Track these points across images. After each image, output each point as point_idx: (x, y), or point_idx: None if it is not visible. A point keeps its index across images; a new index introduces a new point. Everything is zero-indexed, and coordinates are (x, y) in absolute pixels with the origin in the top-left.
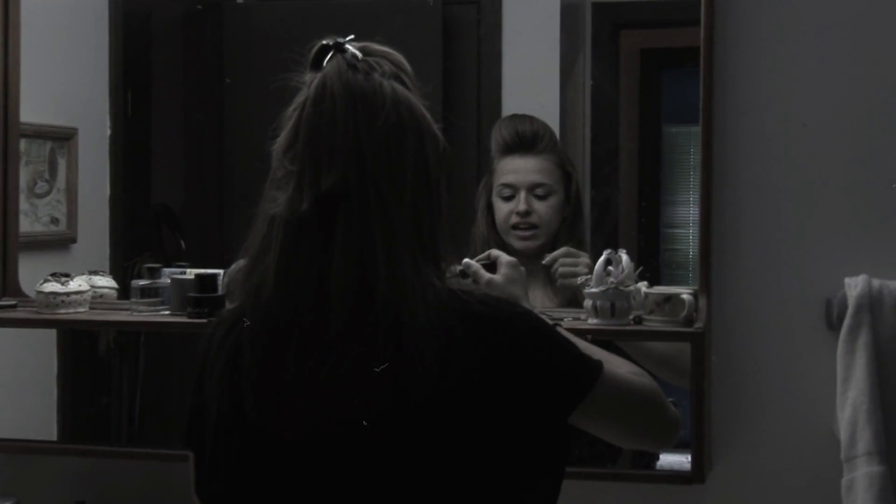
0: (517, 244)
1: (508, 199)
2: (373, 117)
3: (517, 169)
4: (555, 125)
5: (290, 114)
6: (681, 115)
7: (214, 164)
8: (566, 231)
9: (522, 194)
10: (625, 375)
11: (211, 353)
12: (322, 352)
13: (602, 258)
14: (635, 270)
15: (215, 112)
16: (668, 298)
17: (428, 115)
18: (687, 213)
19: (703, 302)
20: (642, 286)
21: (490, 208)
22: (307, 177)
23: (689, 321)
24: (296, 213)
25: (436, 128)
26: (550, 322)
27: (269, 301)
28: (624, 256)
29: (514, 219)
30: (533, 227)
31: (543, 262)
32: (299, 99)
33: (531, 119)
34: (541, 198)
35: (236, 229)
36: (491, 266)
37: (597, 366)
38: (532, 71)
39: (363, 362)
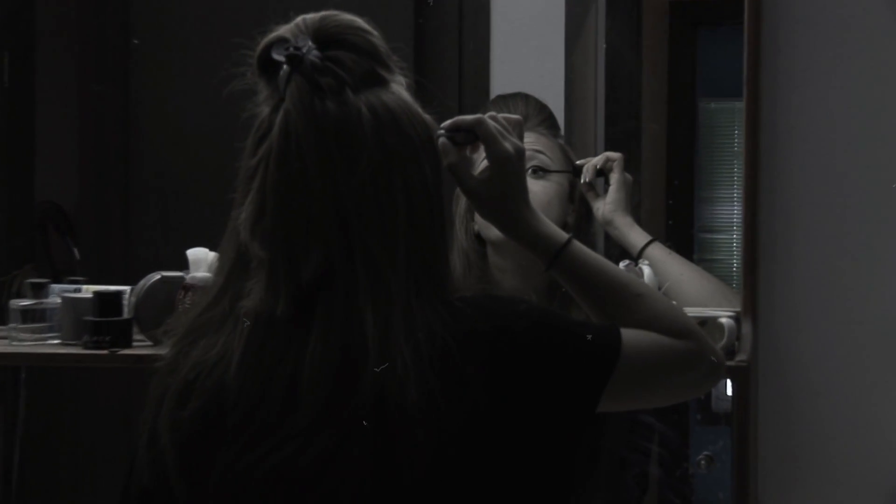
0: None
1: None
2: (353, 163)
3: None
4: (558, 103)
5: (252, 168)
6: (720, 87)
7: (118, 151)
8: (573, 228)
9: None
10: (648, 339)
11: (159, 424)
12: (289, 439)
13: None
14: (660, 288)
15: (120, 82)
16: (703, 323)
17: (415, 111)
18: (729, 214)
19: (747, 327)
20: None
21: (471, 213)
22: (282, 269)
23: (730, 352)
24: (270, 312)
25: (428, 128)
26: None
27: (226, 380)
28: (646, 270)
29: None
30: None
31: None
32: (262, 145)
33: (524, 99)
34: (537, 175)
35: (147, 233)
36: (464, 138)
37: (613, 339)
38: (529, 33)
39: (338, 449)
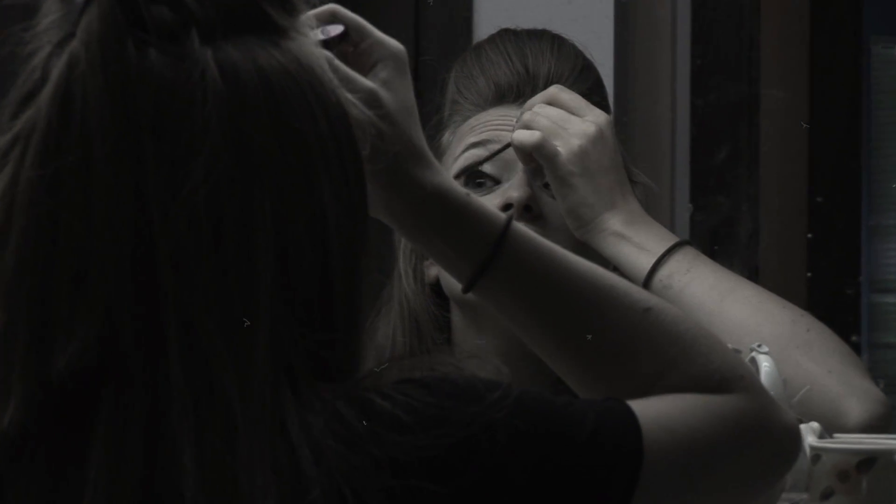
0: None
1: (482, 183)
2: (180, 163)
3: (510, 127)
4: (604, 56)
5: (2, 149)
6: None
7: None
8: None
9: (520, 174)
10: (679, 414)
11: None
12: None
13: None
14: (793, 397)
15: None
16: (871, 461)
17: (326, 87)
18: None
19: None
20: (809, 433)
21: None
22: (21, 338)
23: None
24: None
25: (343, 118)
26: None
27: None
28: (764, 362)
29: None
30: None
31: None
32: (24, 111)
33: (553, 45)
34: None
35: None
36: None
37: (628, 433)
38: None
39: None
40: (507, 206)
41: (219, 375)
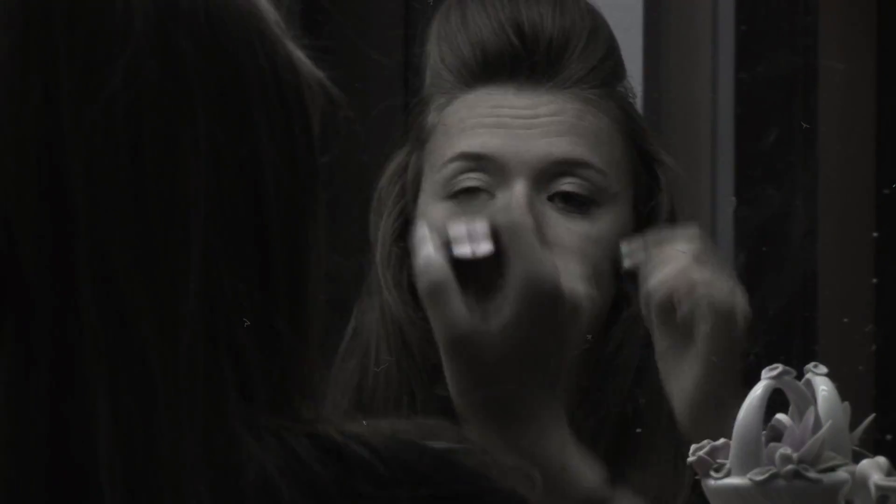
0: None
1: (471, 200)
2: (93, 69)
3: (505, 118)
4: (634, 16)
5: None
6: None
7: None
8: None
9: (519, 187)
10: None
11: None
12: None
13: (757, 390)
14: (858, 425)
15: None
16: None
17: (278, 38)
18: None
19: None
20: (875, 470)
21: (404, 230)
22: None
23: None
24: None
25: (312, 74)
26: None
27: None
28: (822, 384)
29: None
30: None
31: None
32: None
33: (554, 3)
34: (570, 209)
35: None
36: (494, 263)
37: None
38: None
39: None
40: None
41: (136, 325)
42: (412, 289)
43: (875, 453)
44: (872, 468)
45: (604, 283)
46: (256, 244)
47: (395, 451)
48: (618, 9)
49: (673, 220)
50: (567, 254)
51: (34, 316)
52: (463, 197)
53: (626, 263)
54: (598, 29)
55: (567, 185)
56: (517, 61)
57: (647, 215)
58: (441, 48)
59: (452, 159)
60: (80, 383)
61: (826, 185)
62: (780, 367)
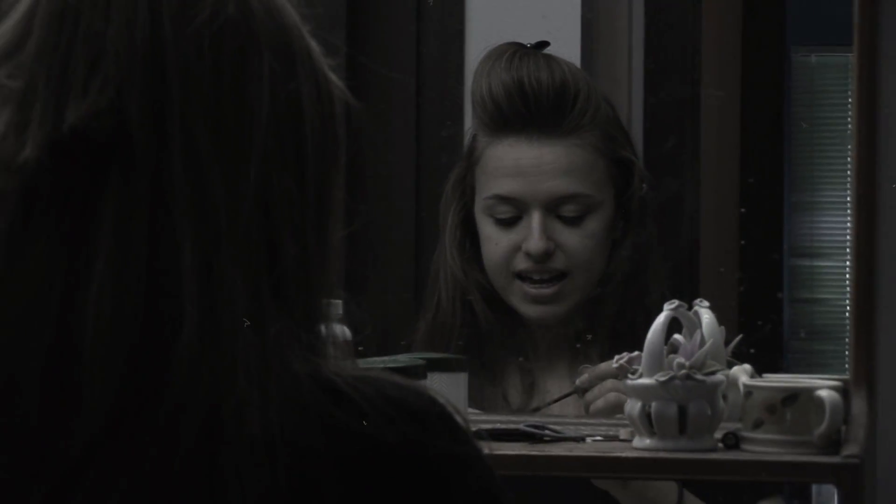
0: (527, 310)
1: (508, 223)
2: (188, 5)
3: (523, 167)
4: (573, 59)
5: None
6: (822, 32)
7: None
8: (620, 280)
9: (536, 216)
10: None
11: None
12: (57, 476)
13: (661, 318)
14: (729, 343)
15: None
16: (793, 397)
17: (307, 36)
18: (840, 229)
19: (859, 404)
20: (742, 373)
21: (468, 228)
22: (40, 97)
23: (834, 442)
24: (12, 168)
25: (324, 63)
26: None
27: None
28: (705, 314)
29: (522, 262)
30: (557, 276)
31: (577, 381)
32: None
33: (551, 62)
34: (571, 221)
35: None
36: None
37: None
38: None
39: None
40: (527, 251)
41: (212, 190)
42: (466, 257)
43: (742, 362)
44: (741, 372)
45: (597, 261)
46: (297, 162)
47: (377, 388)
48: (563, 55)
49: (643, 203)
50: (574, 263)
51: (135, 168)
52: (501, 221)
53: (577, 382)
54: (586, 80)
55: (567, 210)
56: (525, 121)
57: (625, 203)
58: (473, 98)
59: (490, 197)
60: (169, 233)
61: (707, 176)
62: (676, 302)
